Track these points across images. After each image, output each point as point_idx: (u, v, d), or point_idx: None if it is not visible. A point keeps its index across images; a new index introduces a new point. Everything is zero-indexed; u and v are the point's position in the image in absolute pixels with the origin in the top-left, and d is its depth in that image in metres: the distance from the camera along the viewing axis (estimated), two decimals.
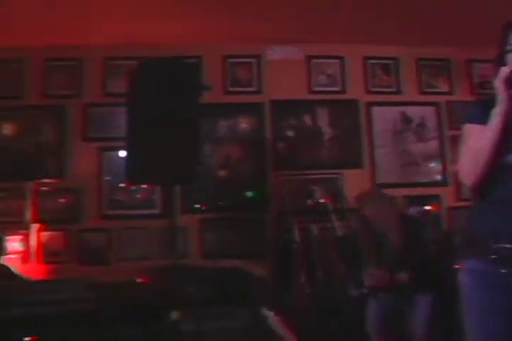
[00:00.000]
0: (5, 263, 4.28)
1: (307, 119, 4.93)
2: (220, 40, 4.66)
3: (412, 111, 5.06)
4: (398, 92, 5.11)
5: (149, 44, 4.53)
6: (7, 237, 4.49)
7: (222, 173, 4.85)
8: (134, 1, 4.01)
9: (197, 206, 4.75)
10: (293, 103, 4.89)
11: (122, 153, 4.42)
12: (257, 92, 4.90)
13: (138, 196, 4.77)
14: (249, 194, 4.84)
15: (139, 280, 3.87)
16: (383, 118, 4.99)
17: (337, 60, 5.01)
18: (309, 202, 4.71)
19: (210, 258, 4.57)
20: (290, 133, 4.92)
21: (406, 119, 5.03)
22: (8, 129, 4.85)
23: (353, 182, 4.76)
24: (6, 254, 4.41)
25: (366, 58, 5.06)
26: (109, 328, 3.47)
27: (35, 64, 4.86)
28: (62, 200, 4.73)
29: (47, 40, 4.59)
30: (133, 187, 4.70)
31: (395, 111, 5.04)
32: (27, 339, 3.38)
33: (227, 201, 4.80)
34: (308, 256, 4.27)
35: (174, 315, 3.12)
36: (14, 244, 4.56)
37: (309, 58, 4.99)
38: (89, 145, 4.79)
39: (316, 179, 4.80)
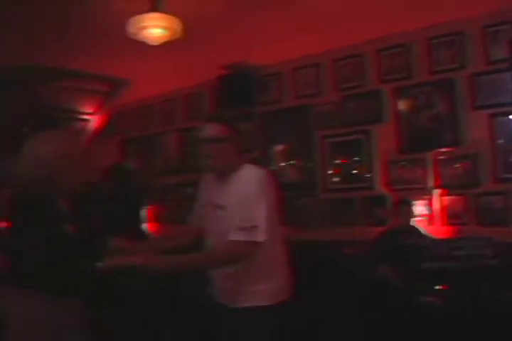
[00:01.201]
0: (415, 225, 4.90)
1: None
2: None
3: None
4: None
5: None
6: (414, 202, 5.07)
7: None
8: None
9: None
10: None
11: None
12: None
13: None
14: None
15: None
16: None
17: None
18: None
19: None
20: None
21: None
22: (404, 105, 5.44)
23: None
24: (415, 217, 4.99)
25: None
26: (509, 283, 3.73)
27: (420, 44, 5.31)
28: (459, 166, 5.05)
29: (428, 21, 5.01)
30: None
31: None
32: (437, 287, 3.93)
33: None
34: None
35: None
36: (420, 207, 5.14)
37: None
38: (480, 113, 4.96)
39: None
